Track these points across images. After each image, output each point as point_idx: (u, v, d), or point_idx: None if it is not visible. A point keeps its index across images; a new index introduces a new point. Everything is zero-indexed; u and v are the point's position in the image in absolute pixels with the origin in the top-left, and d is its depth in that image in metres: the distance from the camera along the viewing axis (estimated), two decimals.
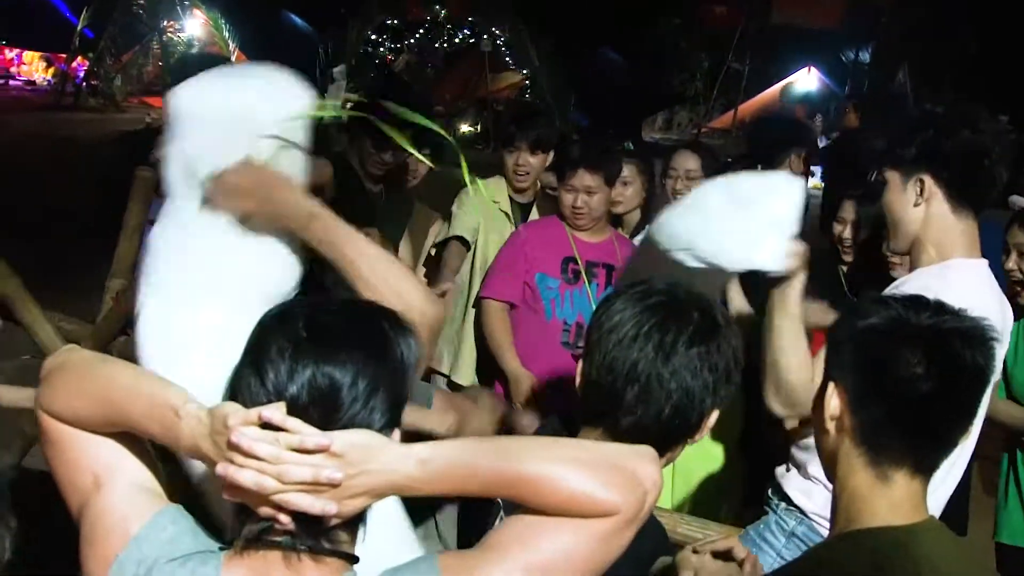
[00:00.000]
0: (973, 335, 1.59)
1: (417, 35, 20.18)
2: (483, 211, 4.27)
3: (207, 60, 5.85)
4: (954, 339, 1.58)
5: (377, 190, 4.08)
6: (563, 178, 3.92)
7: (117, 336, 3.27)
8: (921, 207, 2.50)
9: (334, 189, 3.88)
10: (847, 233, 3.63)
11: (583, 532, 1.32)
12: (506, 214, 4.37)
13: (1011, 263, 3.51)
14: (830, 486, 1.85)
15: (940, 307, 1.62)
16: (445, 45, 20.21)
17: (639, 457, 1.39)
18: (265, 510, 1.31)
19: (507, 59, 18.91)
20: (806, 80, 18.45)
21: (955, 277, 2.44)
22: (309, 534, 1.33)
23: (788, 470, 2.71)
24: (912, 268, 2.57)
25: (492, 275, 4.06)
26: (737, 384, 1.80)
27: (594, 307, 3.77)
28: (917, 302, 1.64)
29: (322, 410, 1.31)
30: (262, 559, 1.34)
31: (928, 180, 2.49)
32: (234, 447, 1.28)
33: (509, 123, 4.37)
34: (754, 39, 17.64)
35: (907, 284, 2.46)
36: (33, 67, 22.69)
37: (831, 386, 1.66)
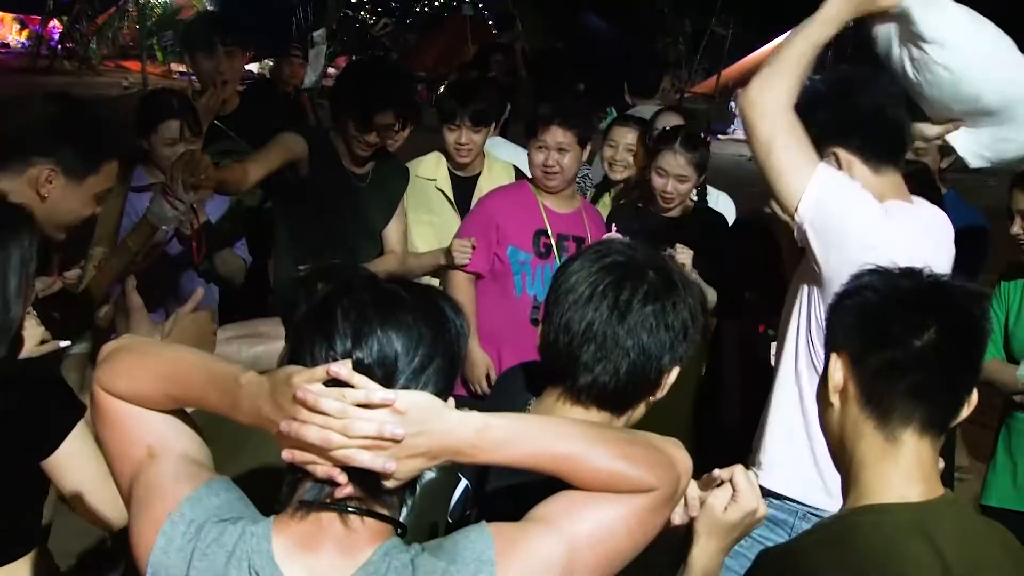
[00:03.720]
0: (964, 289, 1.67)
1: None
2: (412, 192, 4.20)
3: (210, 21, 5.72)
4: (950, 292, 1.65)
5: (363, 171, 3.98)
6: (535, 134, 3.85)
7: (101, 305, 3.21)
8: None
9: (309, 167, 3.85)
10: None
11: (625, 507, 1.39)
12: (443, 192, 4.29)
13: (1016, 227, 3.52)
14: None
15: (931, 272, 1.68)
16: (427, 9, 19.99)
17: (672, 444, 1.49)
18: (323, 470, 1.34)
19: (490, 23, 18.71)
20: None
21: (888, 212, 2.52)
22: (363, 496, 1.36)
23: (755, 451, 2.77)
24: None
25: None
26: (695, 342, 1.80)
27: None
28: (909, 270, 1.69)
29: (384, 371, 1.35)
30: (314, 522, 1.37)
31: (840, 151, 2.58)
32: (300, 402, 1.31)
33: (449, 98, 4.25)
34: (737, 4, 17.50)
35: None
36: (6, 29, 22.33)
37: (832, 358, 1.69)
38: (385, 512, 1.39)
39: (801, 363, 2.66)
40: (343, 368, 1.32)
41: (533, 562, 1.36)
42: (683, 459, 1.48)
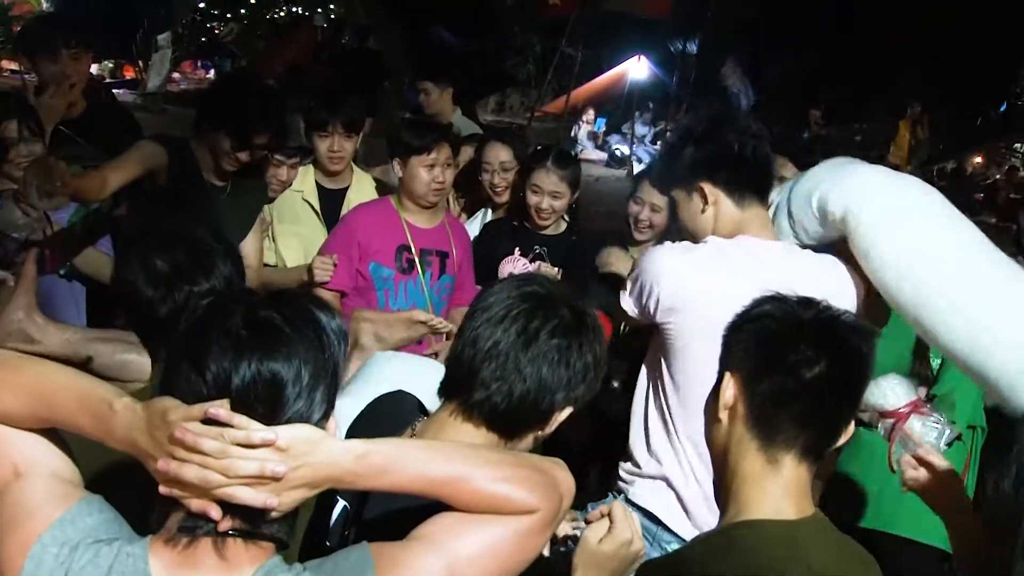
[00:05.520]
0: (857, 325, 1.74)
1: (248, 5, 19.55)
2: (279, 203, 4.16)
3: (53, 22, 5.41)
4: (843, 328, 1.72)
5: (223, 184, 3.90)
6: (426, 152, 3.82)
7: None
8: (709, 211, 2.73)
9: (168, 177, 3.73)
10: (644, 215, 3.92)
11: (507, 528, 1.41)
12: (310, 204, 4.25)
13: None
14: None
15: (828, 305, 1.77)
16: (275, 17, 19.65)
17: (555, 465, 1.51)
18: (198, 504, 1.32)
19: (343, 34, 18.52)
20: (636, 68, 18.77)
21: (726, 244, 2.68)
22: (243, 522, 1.35)
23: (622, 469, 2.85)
24: None
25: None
26: (593, 389, 1.82)
27: (427, 297, 3.80)
28: (808, 300, 1.77)
29: (267, 405, 1.33)
30: (193, 544, 1.35)
31: (707, 186, 2.71)
32: (177, 442, 1.29)
33: (319, 107, 4.22)
34: (587, 25, 17.81)
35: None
36: None
37: (727, 376, 1.76)
38: (265, 532, 1.37)
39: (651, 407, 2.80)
40: (222, 410, 1.30)
41: None
42: (566, 480, 1.50)
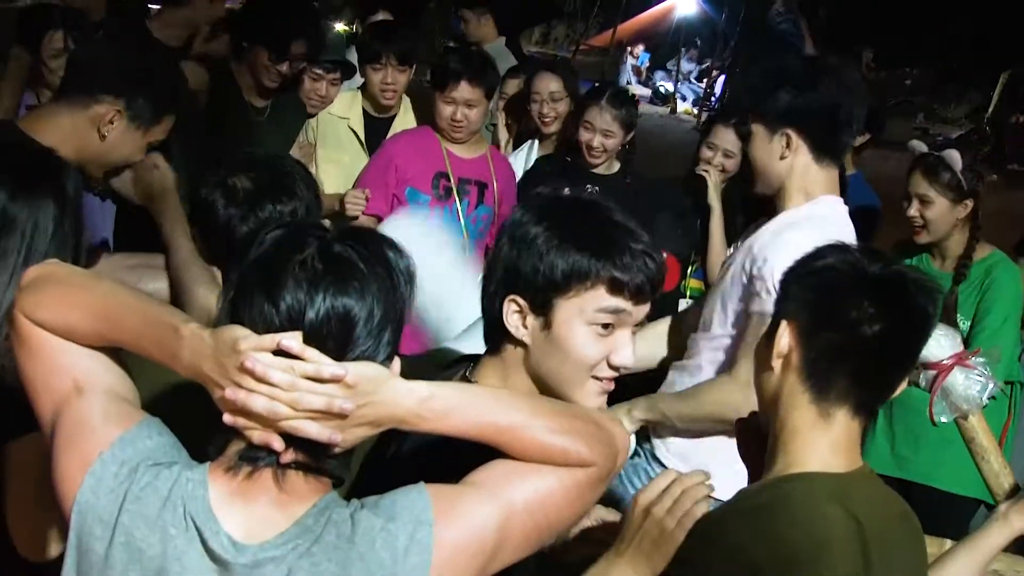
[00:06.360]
0: (923, 283, 1.67)
1: None
2: (323, 129, 4.14)
3: None
4: (907, 284, 1.66)
5: (263, 105, 3.88)
6: (443, 89, 3.76)
7: None
8: (788, 159, 2.61)
9: (208, 98, 3.72)
10: (716, 159, 3.99)
11: (562, 479, 1.39)
12: (355, 132, 4.21)
13: (913, 211, 3.57)
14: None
15: (892, 259, 1.71)
16: None
17: (612, 421, 1.49)
18: (260, 435, 1.31)
19: None
20: (685, 4, 18.44)
21: (827, 211, 2.61)
22: (304, 456, 1.34)
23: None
24: (777, 210, 2.66)
25: (361, 187, 3.88)
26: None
27: (463, 224, 3.76)
28: (875, 252, 1.71)
29: (337, 341, 1.32)
30: (252, 474, 1.35)
31: (793, 135, 2.59)
32: (247, 371, 1.28)
33: (371, 39, 4.17)
34: None
35: (776, 222, 2.63)
36: None
37: (782, 324, 1.70)
38: (325, 467, 1.37)
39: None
40: (294, 342, 1.29)
41: (470, 525, 1.35)
42: (622, 436, 1.49)
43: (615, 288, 1.63)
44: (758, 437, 1.81)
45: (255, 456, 1.34)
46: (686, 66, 18.84)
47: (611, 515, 1.95)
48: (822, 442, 1.68)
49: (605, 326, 1.65)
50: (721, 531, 1.63)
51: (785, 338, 1.69)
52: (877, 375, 1.69)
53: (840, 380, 1.66)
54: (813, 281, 1.69)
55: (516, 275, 1.66)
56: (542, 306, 1.65)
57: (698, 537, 1.64)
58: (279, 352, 1.29)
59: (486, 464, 1.40)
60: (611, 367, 1.67)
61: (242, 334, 1.30)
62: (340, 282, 1.33)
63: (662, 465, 2.74)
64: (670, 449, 2.78)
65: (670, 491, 1.66)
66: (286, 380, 1.28)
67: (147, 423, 1.40)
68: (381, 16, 5.06)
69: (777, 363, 1.70)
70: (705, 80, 17.94)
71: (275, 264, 1.34)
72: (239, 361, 1.28)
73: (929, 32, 19.43)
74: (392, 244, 1.42)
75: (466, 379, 1.75)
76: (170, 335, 1.35)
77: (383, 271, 1.37)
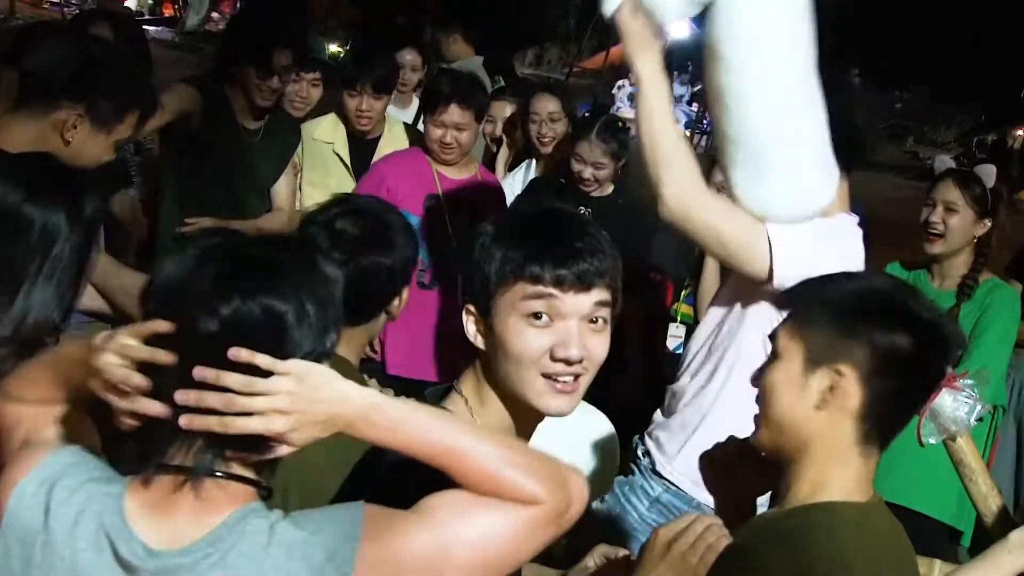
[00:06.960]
0: (954, 328, 1.92)
1: None
2: (308, 154, 4.14)
3: None
4: (947, 329, 1.76)
5: (256, 127, 3.88)
6: (433, 112, 3.78)
7: None
8: None
9: (201, 120, 3.73)
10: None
11: (509, 517, 1.36)
12: (339, 156, 4.22)
13: (936, 216, 3.58)
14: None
15: (930, 300, 1.79)
16: None
17: (572, 470, 1.45)
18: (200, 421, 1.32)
19: None
20: (678, 27, 18.53)
21: (843, 229, 2.56)
22: (231, 457, 1.35)
23: (656, 439, 2.75)
24: None
25: None
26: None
27: (453, 245, 3.76)
28: (914, 292, 1.79)
29: (272, 341, 1.33)
30: (170, 484, 1.35)
31: None
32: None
33: (351, 61, 4.19)
34: None
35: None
36: None
37: (847, 371, 1.69)
38: (247, 475, 1.37)
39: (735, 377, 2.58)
40: (241, 351, 1.31)
41: (399, 548, 1.33)
42: (578, 484, 1.44)
43: (534, 276, 1.60)
44: (756, 461, 1.84)
45: (170, 467, 1.35)
46: (678, 89, 18.88)
47: (614, 551, 1.93)
48: (849, 473, 1.72)
49: (537, 316, 1.60)
50: (754, 557, 1.66)
51: (853, 387, 1.69)
52: (911, 414, 1.82)
53: (900, 424, 1.76)
54: (875, 321, 1.70)
55: (467, 284, 1.67)
56: (486, 310, 1.64)
57: (727, 565, 1.63)
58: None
59: (439, 492, 1.38)
60: (554, 360, 1.62)
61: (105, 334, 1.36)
62: (265, 284, 1.34)
63: (664, 480, 2.68)
64: (675, 466, 2.69)
65: (692, 528, 1.65)
66: (240, 381, 1.30)
67: (67, 448, 1.44)
68: (408, 55, 4.99)
69: (817, 398, 1.70)
70: (697, 103, 18.01)
71: (197, 273, 1.36)
72: (99, 357, 1.34)
73: (920, 55, 19.55)
74: (317, 249, 1.47)
75: (453, 389, 1.74)
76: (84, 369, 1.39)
77: (312, 273, 1.39)
